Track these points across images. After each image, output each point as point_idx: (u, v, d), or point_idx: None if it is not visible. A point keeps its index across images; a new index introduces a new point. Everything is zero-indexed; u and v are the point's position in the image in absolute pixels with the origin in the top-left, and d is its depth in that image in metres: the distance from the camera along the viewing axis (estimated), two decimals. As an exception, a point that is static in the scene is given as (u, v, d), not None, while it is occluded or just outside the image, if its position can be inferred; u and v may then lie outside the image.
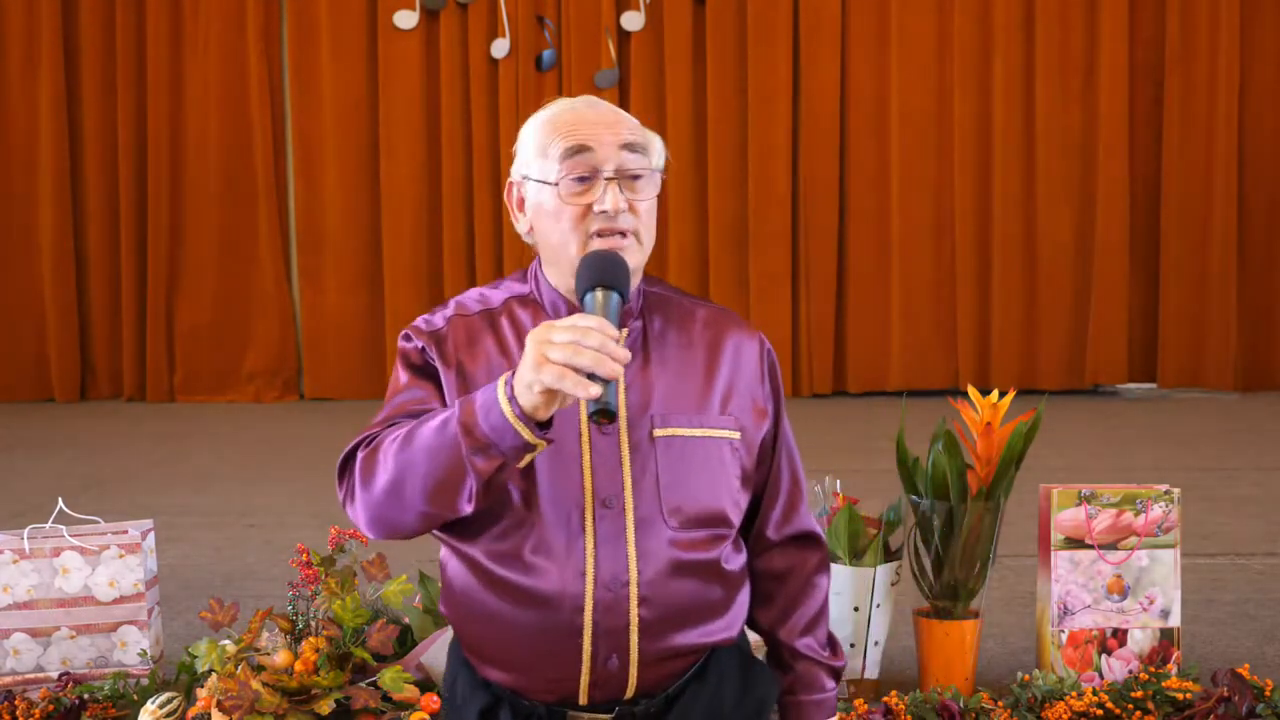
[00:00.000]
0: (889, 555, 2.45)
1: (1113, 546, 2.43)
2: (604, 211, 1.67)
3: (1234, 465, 4.94)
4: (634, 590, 1.66)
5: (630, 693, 1.70)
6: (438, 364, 1.73)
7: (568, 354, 1.46)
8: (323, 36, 7.08)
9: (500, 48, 7.01)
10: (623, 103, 7.00)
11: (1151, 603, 2.44)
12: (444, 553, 1.77)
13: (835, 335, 7.14)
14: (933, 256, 7.07)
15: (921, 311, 7.06)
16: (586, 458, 1.68)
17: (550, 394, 1.50)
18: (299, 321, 7.26)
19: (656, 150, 1.78)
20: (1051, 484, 2.45)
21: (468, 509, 1.61)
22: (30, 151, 7.12)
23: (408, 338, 1.77)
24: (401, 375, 1.76)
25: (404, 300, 7.08)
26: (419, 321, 1.79)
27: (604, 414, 1.48)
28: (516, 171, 1.78)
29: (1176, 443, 5.56)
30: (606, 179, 1.68)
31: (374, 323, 7.17)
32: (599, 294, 1.59)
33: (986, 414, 2.41)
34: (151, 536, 2.59)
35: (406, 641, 2.49)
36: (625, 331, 1.74)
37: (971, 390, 2.46)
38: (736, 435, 1.75)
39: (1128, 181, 6.98)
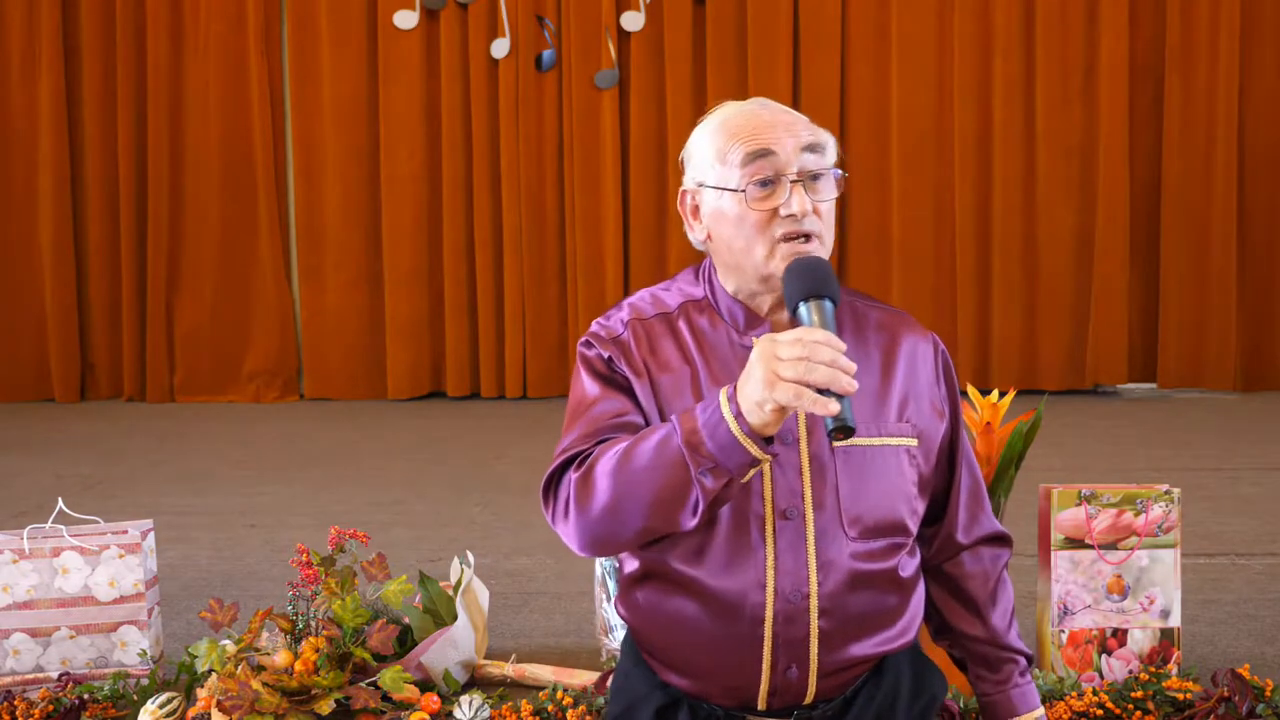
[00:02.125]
0: (889, 555, 2.44)
1: (1113, 546, 2.43)
2: (791, 215, 1.65)
3: (1234, 465, 4.94)
4: (814, 602, 1.66)
5: (809, 699, 1.71)
6: (628, 373, 1.71)
7: (801, 370, 1.44)
8: (323, 36, 7.08)
9: (500, 48, 7.01)
10: (623, 103, 7.01)
11: (1151, 603, 2.44)
12: (625, 555, 1.77)
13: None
14: (933, 257, 7.07)
15: (921, 311, 7.05)
16: (767, 469, 1.66)
17: (781, 411, 1.48)
18: (299, 321, 7.26)
19: (832, 148, 1.74)
20: (1051, 484, 2.45)
21: (691, 524, 1.59)
22: (30, 151, 7.12)
23: (589, 345, 1.74)
24: (589, 385, 1.73)
25: (404, 300, 7.09)
26: (596, 328, 1.76)
27: (842, 430, 1.46)
28: (691, 180, 1.75)
29: (1176, 443, 5.56)
30: (791, 181, 1.66)
31: (374, 323, 7.17)
32: (814, 304, 1.56)
33: (986, 414, 2.41)
34: (151, 536, 2.59)
35: (406, 641, 2.49)
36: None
37: (971, 390, 2.46)
38: (914, 442, 1.74)
39: (1128, 181, 6.98)
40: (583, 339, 1.76)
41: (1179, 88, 6.95)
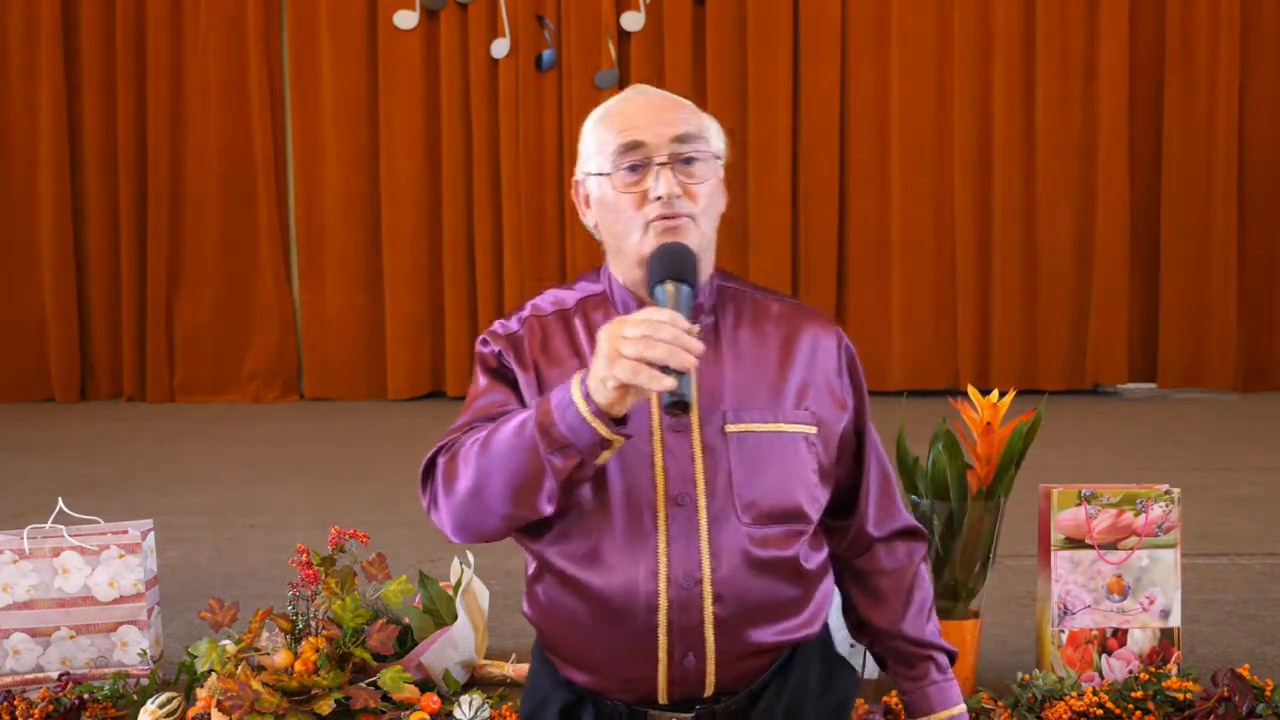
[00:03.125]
0: (889, 555, 2.44)
1: (1113, 546, 2.43)
2: (659, 197, 1.68)
3: (1234, 465, 4.94)
4: (707, 587, 1.66)
5: (709, 691, 1.70)
6: (514, 367, 1.74)
7: (640, 348, 1.47)
8: (323, 36, 7.08)
9: (500, 48, 7.01)
10: (623, 103, 7.00)
11: (1151, 603, 2.44)
12: (527, 555, 1.78)
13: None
14: (933, 257, 7.07)
15: (921, 311, 7.06)
16: (658, 456, 1.68)
17: (625, 389, 1.50)
18: (299, 321, 7.26)
19: (713, 135, 1.78)
20: (1051, 484, 2.45)
21: (549, 509, 1.61)
22: (30, 152, 7.12)
23: (485, 342, 1.78)
24: (480, 380, 1.77)
25: (404, 300, 7.09)
26: (496, 326, 1.80)
27: (679, 405, 1.48)
28: (579, 169, 1.79)
29: (1176, 443, 5.56)
30: (659, 164, 1.69)
31: (374, 323, 7.17)
32: (669, 287, 1.60)
33: (986, 414, 2.41)
34: (151, 536, 2.59)
35: (406, 641, 2.49)
36: (697, 326, 1.75)
37: (971, 390, 2.46)
38: (813, 430, 1.74)
39: (1128, 181, 6.98)
40: (480, 337, 1.81)
41: (1179, 88, 6.95)
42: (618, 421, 1.54)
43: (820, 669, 1.78)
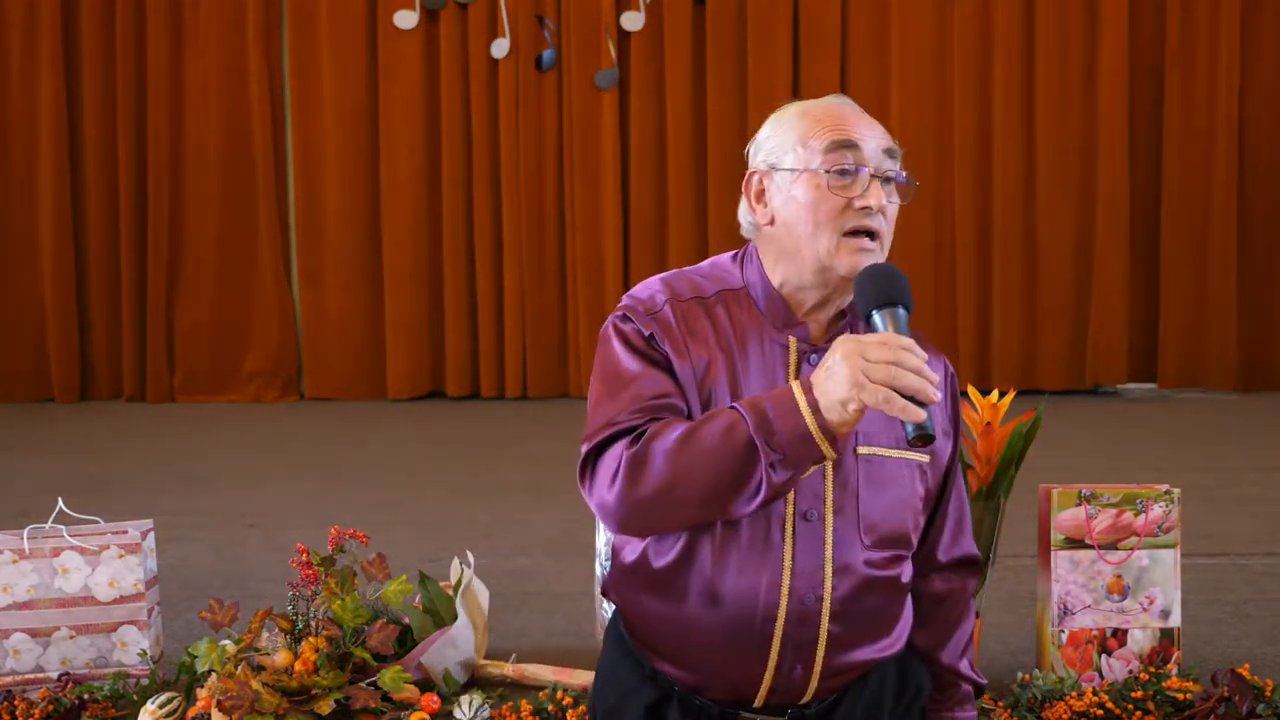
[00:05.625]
0: (889, 555, 2.44)
1: (1113, 546, 2.43)
2: (866, 206, 1.64)
3: (1234, 465, 4.94)
4: (827, 605, 1.67)
5: (807, 699, 1.72)
6: (669, 352, 1.67)
7: (890, 374, 1.44)
8: (323, 36, 7.08)
9: (500, 48, 7.01)
10: (623, 103, 7.01)
11: (1151, 603, 2.44)
12: (619, 539, 1.75)
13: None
14: (933, 256, 7.07)
15: (922, 311, 7.06)
16: None
17: (861, 413, 1.48)
18: (299, 321, 7.26)
19: (901, 158, 1.74)
20: (1051, 484, 2.45)
21: (745, 512, 1.59)
22: (30, 152, 7.12)
23: (626, 319, 1.71)
24: (627, 360, 1.68)
25: (404, 300, 7.09)
26: (630, 302, 1.72)
27: (924, 438, 1.47)
28: (764, 162, 1.74)
29: (1176, 443, 5.56)
30: (871, 175, 1.66)
31: (374, 323, 7.17)
32: (889, 312, 1.54)
33: (986, 414, 2.41)
34: (151, 536, 2.59)
35: (406, 641, 2.49)
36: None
37: (971, 390, 2.46)
38: (926, 459, 1.75)
39: (1128, 181, 6.98)
40: (617, 313, 1.72)
41: (1179, 88, 6.95)
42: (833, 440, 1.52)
43: (895, 666, 1.80)
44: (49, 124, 7.05)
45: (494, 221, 7.07)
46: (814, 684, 1.70)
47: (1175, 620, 2.46)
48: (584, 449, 1.64)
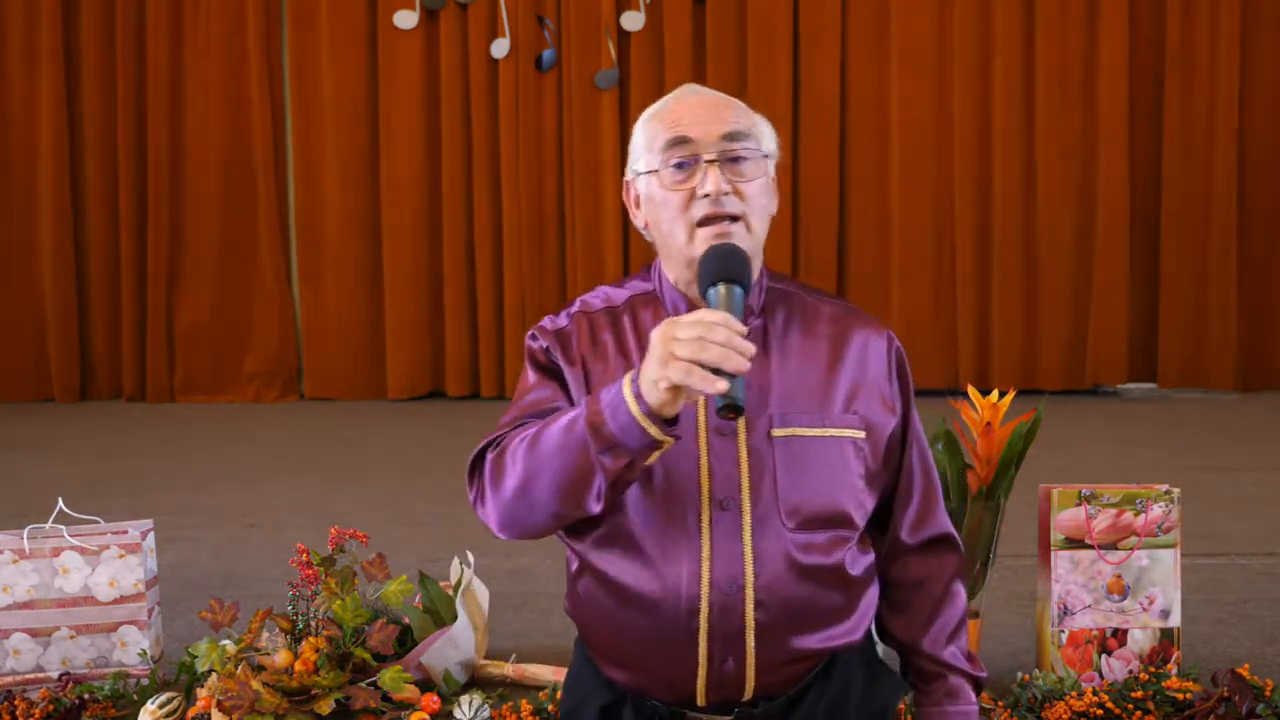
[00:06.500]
0: (889, 555, 2.44)
1: (1113, 546, 2.43)
2: (707, 195, 1.67)
3: (1234, 465, 4.94)
4: (750, 593, 1.65)
5: (748, 695, 1.69)
6: (561, 363, 1.74)
7: (694, 349, 1.46)
8: (323, 36, 7.08)
9: (500, 48, 7.01)
10: (622, 103, 7.00)
11: (1151, 603, 2.44)
12: (569, 552, 1.77)
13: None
14: (933, 256, 7.07)
15: (921, 311, 7.06)
16: (704, 459, 1.67)
17: (676, 390, 1.50)
18: (299, 321, 7.26)
19: (765, 134, 1.76)
20: (1051, 484, 2.45)
21: (596, 508, 1.61)
22: (30, 151, 7.12)
23: (534, 338, 1.78)
24: (529, 375, 1.77)
25: (404, 300, 7.09)
26: (545, 321, 1.80)
27: (731, 409, 1.48)
28: (629, 169, 1.79)
29: (1176, 443, 5.56)
30: (707, 161, 1.68)
31: (374, 323, 7.17)
32: (721, 288, 1.59)
33: (986, 414, 2.41)
34: (151, 536, 2.59)
35: (406, 641, 2.49)
36: (747, 329, 1.75)
37: (971, 390, 2.46)
38: (861, 434, 1.73)
39: (1128, 181, 6.98)
40: (530, 332, 1.80)
41: (1179, 88, 6.95)
42: (668, 422, 1.53)
43: (862, 675, 1.77)
44: (49, 124, 7.05)
45: (494, 221, 7.07)
46: (750, 677, 1.68)
47: (1175, 620, 2.46)
48: (468, 463, 1.70)
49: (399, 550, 3.12)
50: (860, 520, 1.74)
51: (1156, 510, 2.43)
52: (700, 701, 1.69)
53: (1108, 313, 6.96)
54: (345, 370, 7.18)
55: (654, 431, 1.53)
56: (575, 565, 1.75)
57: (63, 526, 2.54)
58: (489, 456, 1.67)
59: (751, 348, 1.49)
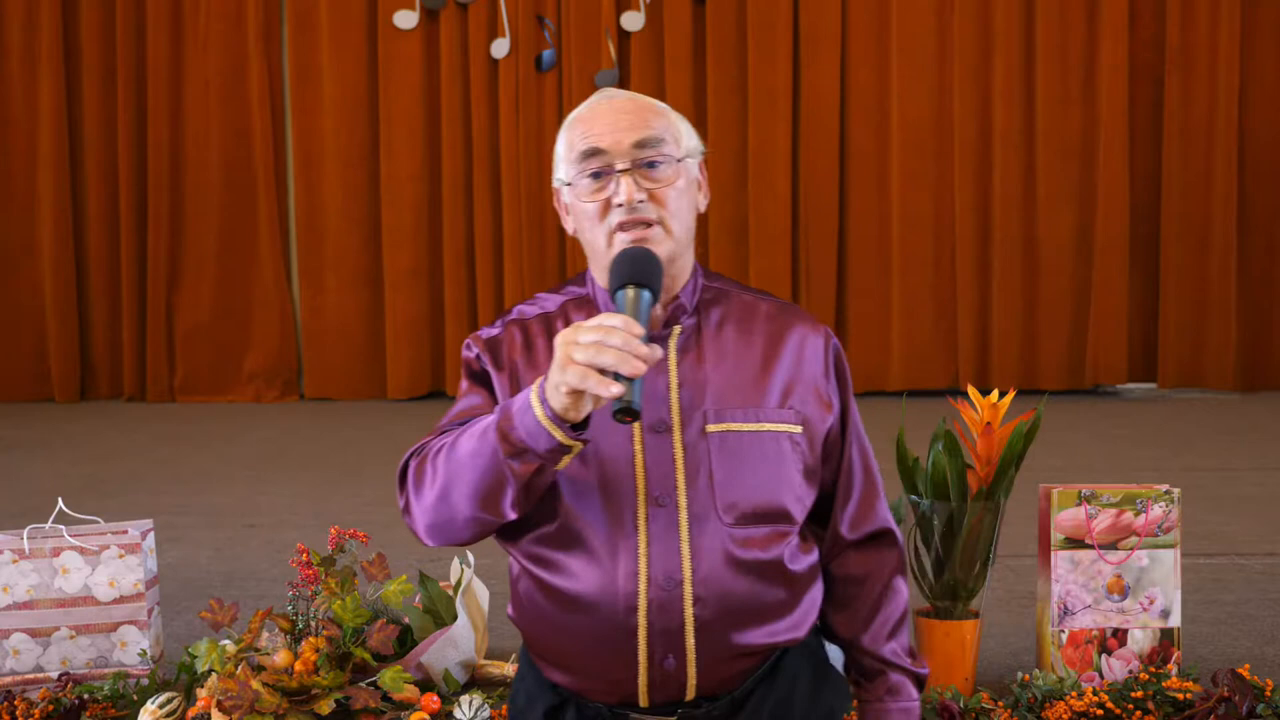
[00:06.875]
0: (889, 555, 2.44)
1: (1113, 546, 2.43)
2: (621, 204, 1.68)
3: (1234, 465, 4.94)
4: (688, 589, 1.65)
5: (690, 694, 1.69)
6: (490, 369, 1.74)
7: (590, 354, 1.46)
8: (323, 36, 7.08)
9: (500, 48, 7.01)
10: (623, 103, 6.99)
11: (1151, 603, 2.44)
12: (510, 558, 1.77)
13: (835, 335, 7.14)
14: (933, 256, 7.07)
15: (921, 311, 7.06)
16: (639, 457, 1.67)
17: (578, 394, 1.49)
18: (299, 321, 7.26)
19: (681, 136, 1.75)
20: (1051, 484, 2.45)
21: (513, 514, 1.61)
22: (30, 152, 7.12)
23: (468, 347, 1.78)
24: (462, 383, 1.78)
25: (404, 300, 7.09)
26: (480, 331, 1.81)
27: (626, 413, 1.47)
28: (555, 178, 1.80)
29: (1176, 443, 5.56)
30: (620, 171, 1.68)
31: (374, 323, 7.18)
32: (629, 292, 1.59)
33: (986, 414, 2.41)
34: (151, 536, 2.59)
35: (406, 641, 2.49)
36: (677, 329, 1.74)
37: (971, 390, 2.46)
38: (797, 429, 1.73)
39: (1128, 181, 6.98)
40: (465, 341, 1.81)
41: (1179, 88, 6.95)
42: (576, 427, 1.53)
43: (809, 678, 1.76)
44: (49, 124, 7.06)
45: (494, 221, 7.07)
46: (692, 675, 1.67)
47: (1175, 620, 2.46)
48: (397, 472, 1.71)
49: (399, 550, 3.11)
50: (799, 515, 1.73)
51: (1156, 510, 2.43)
52: (643, 702, 1.69)
53: (1108, 313, 6.96)
54: (345, 370, 7.19)
55: (559, 435, 1.52)
56: (515, 569, 1.76)
57: (63, 526, 2.54)
58: (412, 465, 1.67)
59: (650, 351, 1.48)
